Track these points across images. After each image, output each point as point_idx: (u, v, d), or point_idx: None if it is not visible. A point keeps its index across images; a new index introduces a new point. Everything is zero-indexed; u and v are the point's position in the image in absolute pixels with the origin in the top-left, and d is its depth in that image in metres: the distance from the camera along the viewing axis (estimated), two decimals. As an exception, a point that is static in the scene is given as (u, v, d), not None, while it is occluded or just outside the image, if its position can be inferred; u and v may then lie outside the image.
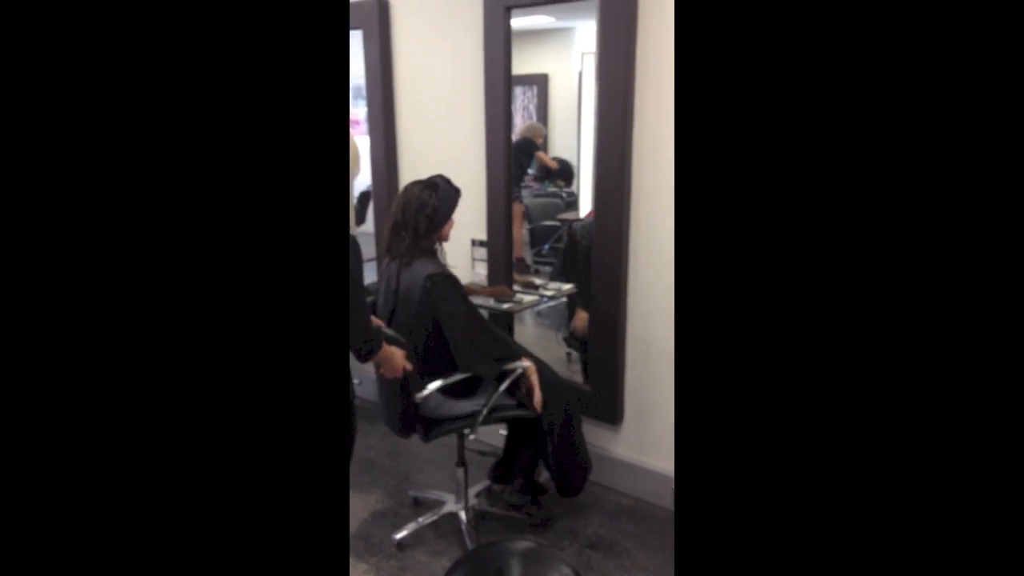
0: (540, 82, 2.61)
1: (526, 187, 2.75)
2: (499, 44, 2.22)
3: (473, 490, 2.22)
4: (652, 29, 1.93)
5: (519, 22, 2.24)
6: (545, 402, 1.95)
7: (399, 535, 2.09)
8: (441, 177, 1.93)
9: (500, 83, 2.25)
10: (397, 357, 1.70)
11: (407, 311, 1.89)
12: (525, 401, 1.97)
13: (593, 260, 2.18)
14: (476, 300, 2.16)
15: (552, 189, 2.78)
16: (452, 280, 1.88)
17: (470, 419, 1.94)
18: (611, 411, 2.29)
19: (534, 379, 1.94)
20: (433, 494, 2.30)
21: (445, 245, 1.99)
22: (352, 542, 2.10)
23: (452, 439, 2.06)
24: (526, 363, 1.94)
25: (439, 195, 1.89)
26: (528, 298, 2.39)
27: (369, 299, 1.96)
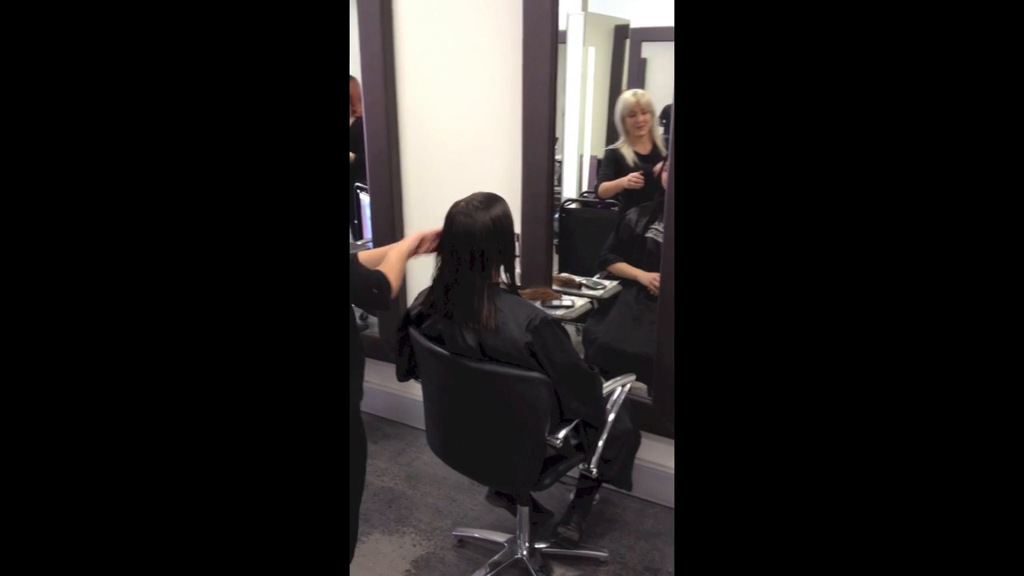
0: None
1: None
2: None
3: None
4: None
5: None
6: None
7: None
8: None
9: (546, 38, 1.84)
10: (408, 245, 1.52)
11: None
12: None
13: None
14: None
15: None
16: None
17: (581, 450, 1.64)
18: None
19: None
20: (477, 532, 2.00)
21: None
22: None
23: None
24: (631, 377, 1.74)
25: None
26: (579, 301, 2.06)
27: None
